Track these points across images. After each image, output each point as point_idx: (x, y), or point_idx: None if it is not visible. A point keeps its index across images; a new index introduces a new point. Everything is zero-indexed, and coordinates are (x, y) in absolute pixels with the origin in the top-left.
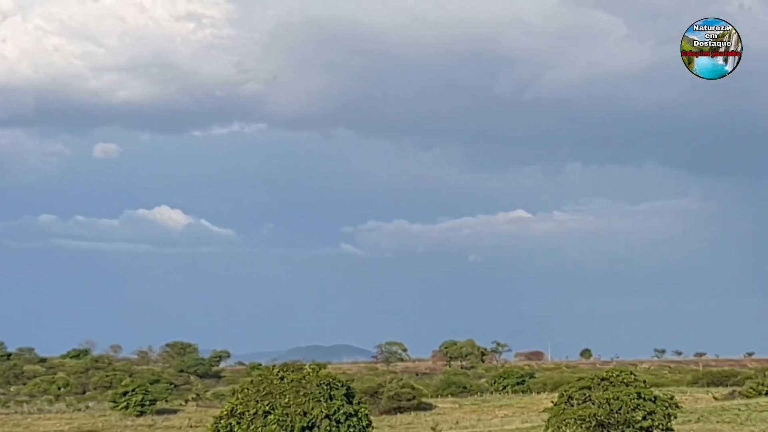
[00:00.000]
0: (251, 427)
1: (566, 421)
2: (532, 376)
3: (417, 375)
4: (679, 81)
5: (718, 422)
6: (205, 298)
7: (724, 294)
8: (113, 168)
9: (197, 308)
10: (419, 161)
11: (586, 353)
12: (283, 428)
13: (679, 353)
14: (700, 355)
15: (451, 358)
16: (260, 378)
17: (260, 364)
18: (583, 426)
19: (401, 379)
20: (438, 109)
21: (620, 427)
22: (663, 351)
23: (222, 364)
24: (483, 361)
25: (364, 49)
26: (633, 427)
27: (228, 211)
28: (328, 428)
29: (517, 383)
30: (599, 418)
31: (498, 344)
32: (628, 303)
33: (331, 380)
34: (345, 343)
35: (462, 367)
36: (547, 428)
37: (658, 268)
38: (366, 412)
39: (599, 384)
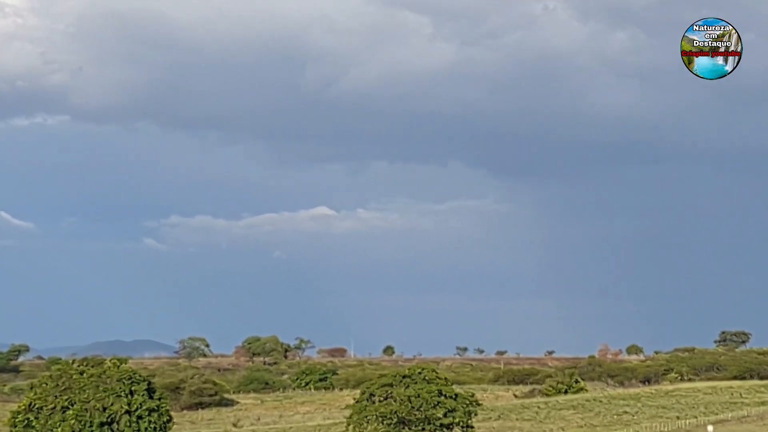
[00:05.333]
0: (49, 422)
1: (367, 417)
2: (334, 373)
3: (219, 371)
4: (481, 82)
5: (518, 420)
6: (4, 292)
7: (525, 293)
8: None
9: None
10: (223, 157)
11: (389, 350)
12: (82, 423)
13: (481, 351)
14: (502, 353)
15: (254, 354)
16: (59, 373)
17: (60, 359)
18: (385, 423)
19: (203, 375)
20: (243, 104)
21: (421, 424)
22: (465, 349)
23: (21, 359)
24: (286, 357)
25: (169, 42)
26: (434, 424)
27: (29, 204)
28: (128, 424)
29: (320, 380)
30: (400, 415)
31: (301, 341)
32: (431, 301)
33: (132, 375)
34: (147, 338)
35: (265, 363)
36: (349, 425)
37: (460, 266)
38: (167, 407)
39: (401, 381)
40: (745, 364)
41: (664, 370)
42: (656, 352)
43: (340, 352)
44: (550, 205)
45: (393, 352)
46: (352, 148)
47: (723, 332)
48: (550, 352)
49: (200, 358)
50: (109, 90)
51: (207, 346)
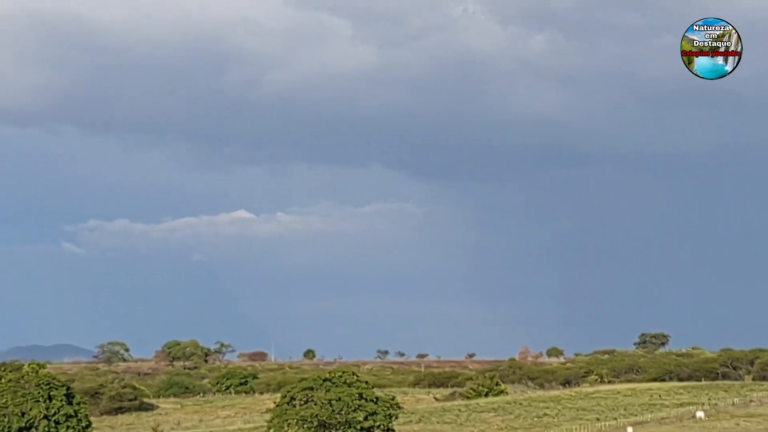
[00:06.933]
0: None
1: (288, 421)
2: (255, 377)
3: (139, 375)
4: (403, 84)
5: (438, 423)
6: None
7: (446, 296)
8: None
9: None
10: (144, 160)
11: (309, 354)
12: (0, 429)
13: (402, 354)
14: (423, 356)
15: (174, 358)
16: None
17: None
18: (305, 426)
19: (123, 380)
20: (164, 107)
21: (342, 427)
22: (386, 352)
23: None
24: (206, 361)
25: (90, 44)
26: (354, 428)
27: None
28: (46, 429)
29: (240, 384)
30: (321, 419)
31: (221, 345)
32: (351, 304)
33: (50, 380)
34: (66, 343)
35: (185, 368)
36: (269, 429)
37: (381, 270)
38: (86, 412)
39: (322, 385)
40: (664, 366)
41: (584, 372)
42: (576, 355)
43: (261, 356)
44: (471, 208)
45: (314, 356)
46: (273, 151)
47: (642, 334)
48: (471, 355)
49: (120, 363)
50: (30, 92)
51: (126, 350)
